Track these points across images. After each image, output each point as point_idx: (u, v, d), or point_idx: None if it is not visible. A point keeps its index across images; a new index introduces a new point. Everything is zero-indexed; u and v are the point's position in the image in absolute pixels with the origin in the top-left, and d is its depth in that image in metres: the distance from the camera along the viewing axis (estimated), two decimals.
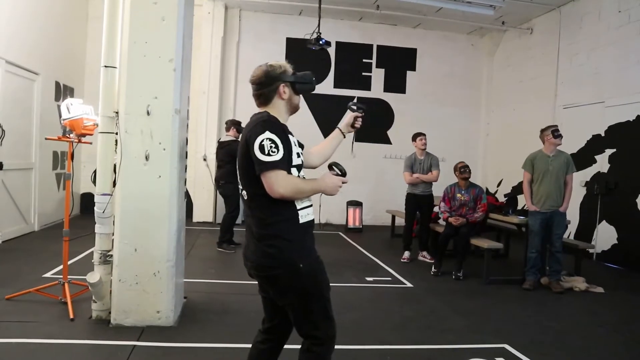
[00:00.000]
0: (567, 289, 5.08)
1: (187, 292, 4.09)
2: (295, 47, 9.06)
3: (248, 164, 1.94)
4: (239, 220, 6.61)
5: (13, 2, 6.09)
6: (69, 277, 3.82)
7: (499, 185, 9.52)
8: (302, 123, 8.96)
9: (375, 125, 9.21)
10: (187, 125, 3.95)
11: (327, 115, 9.44)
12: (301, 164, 2.07)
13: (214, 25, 8.77)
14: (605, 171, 6.71)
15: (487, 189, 9.47)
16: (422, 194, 6.27)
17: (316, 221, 8.82)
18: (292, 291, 1.98)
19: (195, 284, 4.55)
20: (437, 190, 6.28)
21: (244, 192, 2.04)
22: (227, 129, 6.46)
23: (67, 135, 3.80)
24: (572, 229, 7.04)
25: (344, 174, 2.09)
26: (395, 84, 9.75)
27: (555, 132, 5.09)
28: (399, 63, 9.75)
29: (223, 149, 6.31)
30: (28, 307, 3.69)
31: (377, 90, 9.67)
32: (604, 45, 6.88)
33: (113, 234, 3.51)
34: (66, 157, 4.21)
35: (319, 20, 7.50)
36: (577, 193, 6.55)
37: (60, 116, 3.76)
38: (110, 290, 3.49)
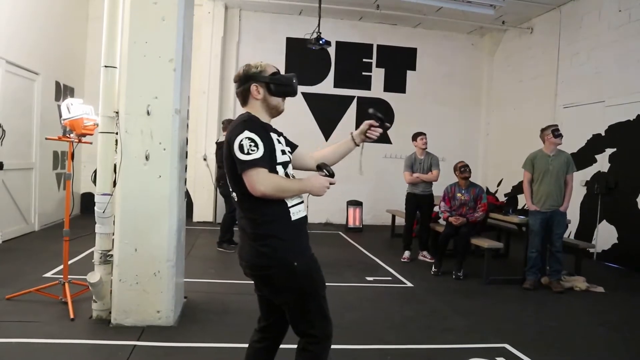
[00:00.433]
0: (567, 289, 5.07)
1: (187, 292, 4.09)
2: (295, 47, 9.06)
3: (233, 165, 1.95)
4: None
5: (13, 2, 6.09)
6: (69, 277, 3.82)
7: (499, 184, 9.51)
8: (302, 123, 8.99)
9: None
10: (187, 125, 3.95)
11: (327, 115, 9.46)
12: (288, 161, 2.06)
13: (214, 25, 8.77)
14: (606, 171, 6.71)
15: (487, 189, 9.47)
16: (422, 193, 6.27)
17: (317, 221, 8.84)
18: (288, 290, 1.98)
19: (195, 283, 4.55)
20: (438, 190, 6.27)
21: (234, 194, 2.03)
22: (224, 129, 6.47)
23: (68, 135, 3.81)
24: (572, 228, 7.04)
25: (332, 175, 2.07)
26: (396, 83, 9.75)
27: (556, 132, 5.09)
28: (399, 63, 9.74)
29: (221, 149, 6.30)
30: (28, 307, 3.70)
31: (377, 89, 9.66)
32: (604, 45, 6.87)
33: (113, 234, 3.51)
34: (66, 157, 4.21)
35: (319, 20, 7.50)
36: (577, 192, 6.55)
37: (60, 116, 3.76)
38: (111, 290, 3.49)
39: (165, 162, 3.42)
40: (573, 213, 6.52)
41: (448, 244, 5.77)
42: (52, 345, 3.07)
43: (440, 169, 6.26)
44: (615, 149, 6.59)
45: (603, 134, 6.79)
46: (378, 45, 9.65)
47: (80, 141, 3.83)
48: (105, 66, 3.54)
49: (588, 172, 6.96)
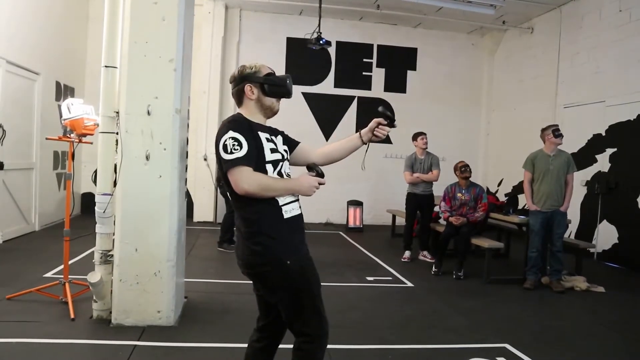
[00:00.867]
0: (567, 289, 5.07)
1: (188, 291, 4.09)
2: (295, 47, 9.06)
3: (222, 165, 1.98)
4: None
5: (13, 2, 6.09)
6: (69, 276, 3.82)
7: (499, 184, 9.51)
8: (302, 123, 8.99)
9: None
10: (188, 125, 3.95)
11: (327, 115, 9.45)
12: (279, 159, 2.05)
13: (215, 25, 8.77)
14: (606, 170, 6.71)
15: (487, 189, 9.47)
16: (423, 193, 6.27)
17: (317, 221, 8.83)
18: (281, 288, 1.99)
19: (195, 283, 4.55)
20: (438, 190, 6.27)
21: (228, 193, 2.06)
22: None
23: (68, 135, 3.80)
24: (572, 228, 7.03)
25: (321, 175, 2.07)
26: (396, 83, 9.74)
27: (556, 132, 5.09)
28: (399, 62, 9.74)
29: None
30: (29, 306, 3.70)
31: (377, 89, 9.65)
32: (605, 45, 6.87)
33: (114, 234, 3.52)
34: (67, 157, 4.21)
35: (319, 20, 7.50)
36: (577, 192, 6.55)
37: (60, 116, 3.76)
38: (111, 290, 3.49)
39: (165, 162, 3.42)
40: (573, 213, 6.52)
41: (448, 243, 5.77)
42: (53, 345, 3.07)
43: (440, 169, 6.26)
44: (615, 149, 6.58)
45: (603, 134, 6.79)
46: (378, 45, 9.65)
47: (80, 141, 3.83)
48: (106, 66, 3.54)
49: (588, 172, 6.95)
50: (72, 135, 3.78)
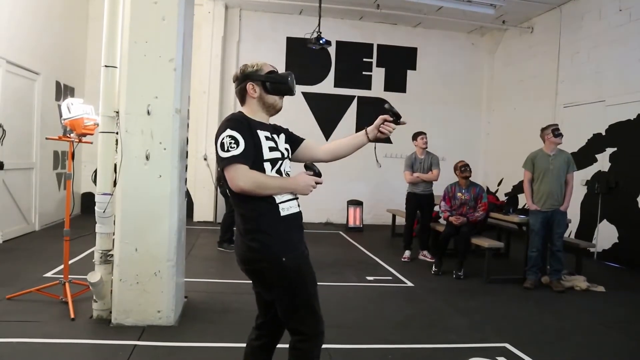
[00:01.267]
0: (568, 288, 5.07)
1: (188, 291, 4.09)
2: (295, 47, 9.06)
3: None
4: None
5: (13, 2, 6.09)
6: (69, 276, 3.82)
7: (499, 184, 9.51)
8: (302, 122, 8.99)
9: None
10: (188, 125, 3.95)
11: (327, 114, 9.45)
12: (278, 157, 2.06)
13: (214, 25, 8.77)
14: (606, 170, 6.71)
15: (487, 188, 9.46)
16: (423, 193, 6.27)
17: (317, 221, 8.82)
18: (277, 285, 2.00)
19: (195, 283, 4.55)
20: (438, 190, 6.27)
21: (228, 191, 2.08)
22: None
23: (68, 135, 3.80)
24: (572, 228, 7.03)
25: (318, 175, 2.07)
26: (396, 83, 9.74)
27: (556, 131, 5.08)
28: (399, 62, 9.73)
29: None
30: (29, 306, 3.70)
31: (377, 89, 9.65)
32: (605, 44, 6.87)
33: (114, 234, 3.51)
34: (67, 157, 4.21)
35: (319, 20, 7.50)
36: (577, 192, 6.55)
37: (60, 116, 3.76)
38: (111, 290, 3.49)
39: (165, 162, 3.42)
40: (573, 212, 6.52)
41: (448, 243, 5.77)
42: (53, 345, 3.07)
43: (440, 169, 6.26)
44: (615, 149, 6.58)
45: (603, 134, 6.79)
46: (378, 45, 9.65)
47: (80, 141, 3.83)
48: (106, 66, 3.54)
49: (588, 172, 6.95)
50: (72, 135, 3.78)
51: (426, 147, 6.33)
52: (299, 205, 2.10)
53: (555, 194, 5.04)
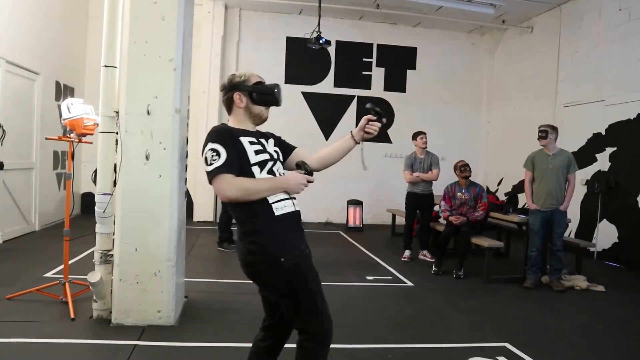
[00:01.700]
0: (568, 288, 5.07)
1: (188, 291, 4.09)
2: (295, 46, 9.06)
3: None
4: None
5: (13, 2, 6.08)
6: (69, 276, 3.82)
7: (499, 184, 9.51)
8: (302, 122, 9.00)
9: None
10: (188, 125, 3.95)
11: (327, 114, 9.45)
12: (267, 159, 2.06)
13: (214, 25, 8.77)
14: (606, 170, 6.71)
15: (487, 188, 9.46)
16: (423, 192, 6.27)
17: (317, 220, 8.78)
18: (278, 286, 2.00)
19: (195, 283, 4.55)
20: (438, 189, 6.27)
21: None
22: None
23: (68, 135, 3.80)
24: (572, 227, 7.03)
25: (310, 173, 2.09)
26: (396, 82, 9.74)
27: (539, 132, 5.09)
28: (399, 62, 9.73)
29: None
30: (29, 306, 3.70)
31: (377, 89, 9.65)
32: (605, 44, 6.87)
33: (114, 234, 3.51)
34: (67, 157, 4.21)
35: (319, 19, 7.49)
36: (577, 192, 6.53)
37: (60, 116, 3.76)
38: (111, 290, 3.49)
39: (165, 162, 3.42)
40: (573, 212, 6.52)
41: (448, 243, 5.77)
42: (53, 345, 3.07)
43: (440, 168, 6.26)
44: (615, 148, 6.58)
45: (603, 133, 6.79)
46: (378, 45, 9.65)
47: (80, 141, 3.83)
48: (106, 66, 3.54)
49: (588, 171, 6.95)
50: (71, 135, 3.78)
51: (426, 147, 6.33)
52: (295, 205, 2.10)
53: (555, 194, 5.04)
